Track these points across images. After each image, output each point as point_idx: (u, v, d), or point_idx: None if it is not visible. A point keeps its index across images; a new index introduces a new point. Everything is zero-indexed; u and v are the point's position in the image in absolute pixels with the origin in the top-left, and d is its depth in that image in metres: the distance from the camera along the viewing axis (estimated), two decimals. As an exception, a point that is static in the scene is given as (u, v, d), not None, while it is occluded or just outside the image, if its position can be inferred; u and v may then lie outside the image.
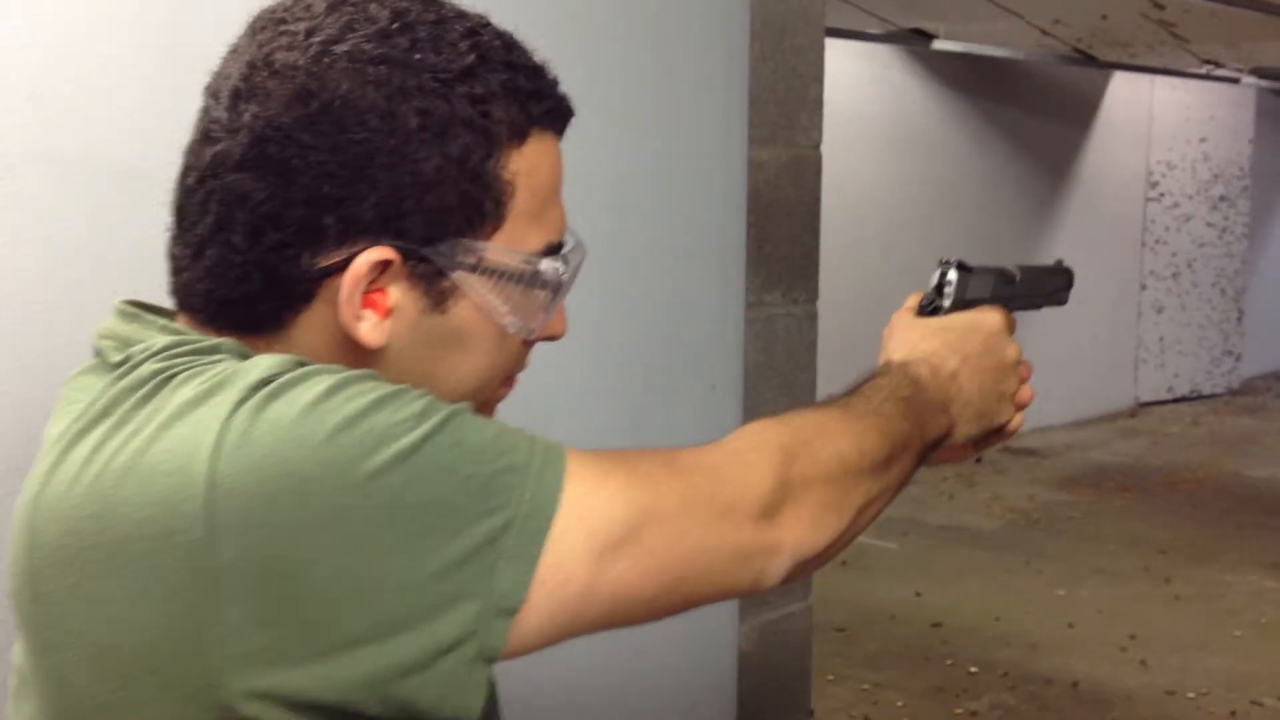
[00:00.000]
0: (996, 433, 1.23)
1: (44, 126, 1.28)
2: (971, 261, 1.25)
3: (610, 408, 1.90)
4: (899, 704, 4.13)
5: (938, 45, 7.24)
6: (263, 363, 0.80)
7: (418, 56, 0.84)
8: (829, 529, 0.95)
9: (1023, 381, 1.22)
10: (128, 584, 0.76)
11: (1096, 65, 8.29)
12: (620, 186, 1.80)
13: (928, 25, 7.00)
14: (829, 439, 0.97)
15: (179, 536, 0.74)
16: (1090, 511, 6.56)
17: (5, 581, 0.86)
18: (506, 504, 0.77)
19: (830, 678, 4.26)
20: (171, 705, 0.76)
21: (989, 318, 1.21)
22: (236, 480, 0.74)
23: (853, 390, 1.09)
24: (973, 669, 4.40)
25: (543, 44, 0.93)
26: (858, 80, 7.20)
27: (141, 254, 1.35)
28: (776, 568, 0.91)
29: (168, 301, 0.92)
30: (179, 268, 0.89)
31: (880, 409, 1.05)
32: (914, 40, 7.15)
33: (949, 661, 4.47)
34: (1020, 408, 1.23)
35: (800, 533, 0.92)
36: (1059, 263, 1.41)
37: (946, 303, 1.22)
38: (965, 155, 8.07)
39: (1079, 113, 8.86)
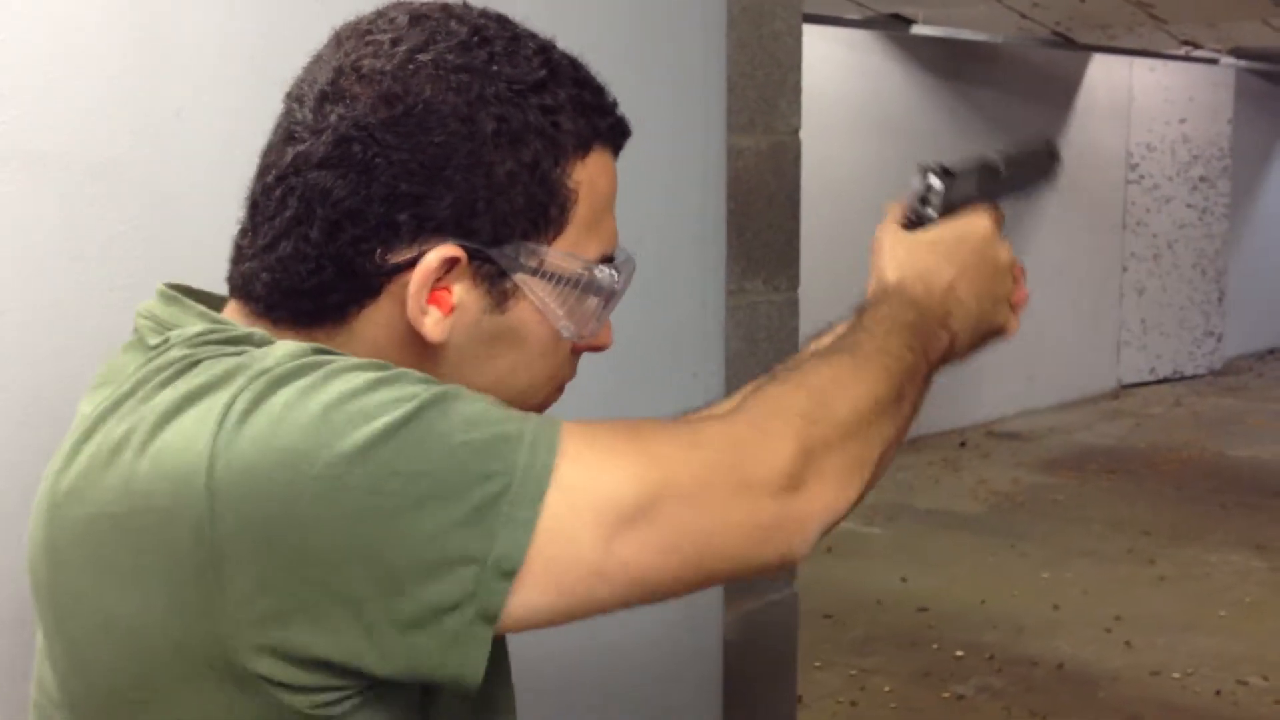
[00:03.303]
0: (994, 334, 1.19)
1: (13, 124, 1.26)
2: (952, 161, 1.18)
3: (591, 396, 1.89)
4: (886, 689, 4.14)
5: (916, 30, 7.24)
6: (277, 351, 0.84)
7: (495, 68, 0.89)
8: (853, 487, 0.95)
9: (1016, 281, 1.20)
10: (139, 554, 0.80)
11: (1075, 48, 8.31)
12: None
13: (906, 10, 7.00)
14: (844, 393, 0.97)
15: (186, 510, 0.78)
16: (1074, 494, 6.59)
17: (25, 551, 0.90)
18: (502, 471, 0.80)
19: (818, 664, 4.26)
20: (182, 670, 0.80)
21: (978, 223, 1.17)
22: (234, 457, 0.78)
23: (856, 325, 1.07)
24: (959, 652, 4.41)
25: (563, 45, 0.95)
26: (837, 66, 7.20)
27: (115, 249, 1.35)
28: (806, 538, 0.92)
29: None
30: (242, 257, 0.93)
31: (886, 344, 1.04)
32: (893, 25, 7.15)
33: (935, 645, 4.48)
34: (1016, 308, 1.20)
35: (828, 498, 0.92)
36: (1043, 139, 1.32)
37: (932, 212, 1.16)
38: (945, 139, 8.07)
39: (1058, 95, 8.87)
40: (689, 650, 2.11)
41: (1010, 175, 1.23)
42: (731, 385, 2.09)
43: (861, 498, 0.97)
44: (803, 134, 2.17)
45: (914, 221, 1.16)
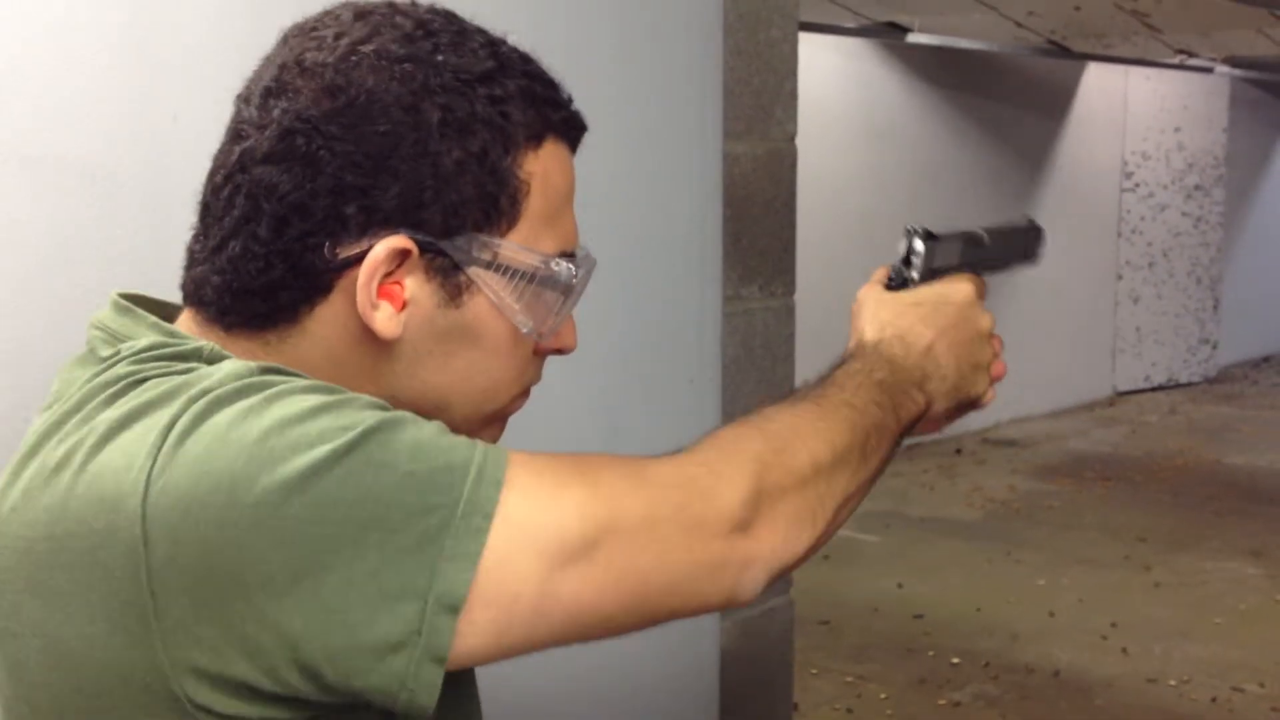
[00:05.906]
0: (970, 404, 1.20)
1: (9, 128, 1.26)
2: (938, 227, 1.21)
3: (588, 402, 1.89)
4: (882, 696, 4.13)
5: (912, 38, 7.25)
6: (222, 369, 0.82)
7: (440, 58, 0.87)
8: (805, 536, 0.95)
9: (995, 354, 1.20)
10: (77, 578, 0.78)
11: (1071, 57, 8.32)
12: (595, 182, 1.78)
13: (902, 19, 7.01)
14: (802, 442, 0.96)
15: (120, 534, 0.76)
16: (1070, 501, 6.59)
17: None
18: (445, 503, 0.77)
19: (814, 671, 4.26)
20: (124, 696, 0.78)
21: (960, 288, 1.19)
22: (170, 480, 0.76)
23: (826, 378, 1.08)
24: (955, 660, 4.41)
25: (515, 41, 0.94)
26: (832, 74, 7.20)
27: (111, 254, 1.34)
28: (752, 581, 0.91)
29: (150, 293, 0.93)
30: (194, 262, 0.91)
31: (854, 398, 1.04)
32: (888, 34, 7.16)
33: (931, 653, 4.48)
34: (994, 380, 1.21)
35: (775, 544, 0.92)
36: (1028, 219, 1.36)
37: (915, 274, 1.18)
38: (940, 148, 8.08)
39: (1054, 104, 8.88)
40: (685, 657, 2.10)
41: (993, 247, 1.26)
42: (728, 391, 2.09)
43: (814, 548, 0.97)
44: (798, 141, 2.17)
45: (896, 283, 1.19)
